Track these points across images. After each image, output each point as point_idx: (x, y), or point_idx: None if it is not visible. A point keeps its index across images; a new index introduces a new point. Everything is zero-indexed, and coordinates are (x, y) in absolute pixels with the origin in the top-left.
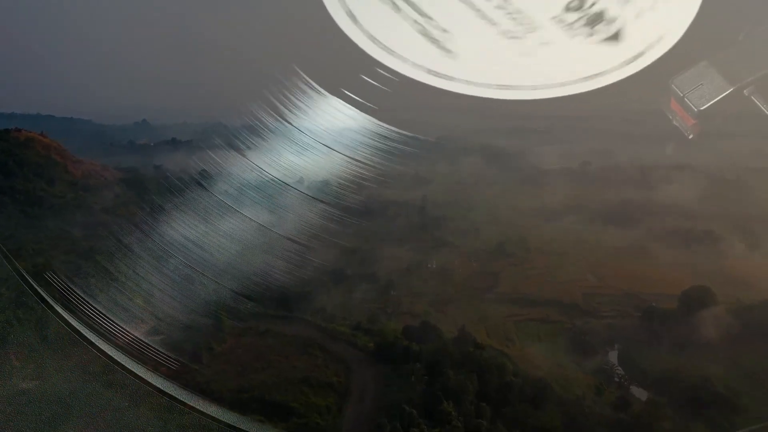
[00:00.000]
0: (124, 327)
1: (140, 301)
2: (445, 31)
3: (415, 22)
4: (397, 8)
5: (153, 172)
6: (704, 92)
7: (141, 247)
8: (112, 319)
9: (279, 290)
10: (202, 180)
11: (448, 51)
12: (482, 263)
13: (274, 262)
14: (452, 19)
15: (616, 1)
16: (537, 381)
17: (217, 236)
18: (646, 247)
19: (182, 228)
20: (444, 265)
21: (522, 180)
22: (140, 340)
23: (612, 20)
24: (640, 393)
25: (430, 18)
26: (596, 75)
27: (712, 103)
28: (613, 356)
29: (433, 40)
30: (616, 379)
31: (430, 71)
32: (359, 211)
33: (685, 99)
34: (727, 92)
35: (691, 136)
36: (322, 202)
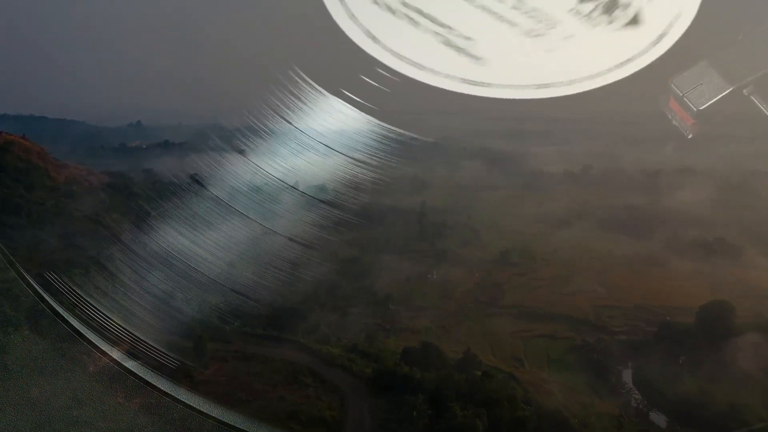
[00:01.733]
0: (96, 350)
1: (117, 320)
2: (468, 38)
3: (437, 33)
4: (415, 23)
5: (142, 176)
6: (703, 92)
7: (122, 259)
8: (85, 339)
9: (269, 306)
10: (192, 185)
11: (477, 58)
12: (485, 274)
13: (265, 275)
14: (471, 26)
15: None
16: (553, 415)
17: (203, 246)
18: (655, 256)
19: (167, 237)
20: (445, 276)
21: (524, 184)
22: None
23: (627, 5)
24: (660, 420)
25: (450, 28)
26: (627, 61)
27: (711, 102)
28: (627, 376)
29: (460, 50)
30: (634, 404)
31: (465, 80)
32: (356, 218)
33: (685, 98)
34: (727, 92)
35: (690, 136)
36: (317, 208)
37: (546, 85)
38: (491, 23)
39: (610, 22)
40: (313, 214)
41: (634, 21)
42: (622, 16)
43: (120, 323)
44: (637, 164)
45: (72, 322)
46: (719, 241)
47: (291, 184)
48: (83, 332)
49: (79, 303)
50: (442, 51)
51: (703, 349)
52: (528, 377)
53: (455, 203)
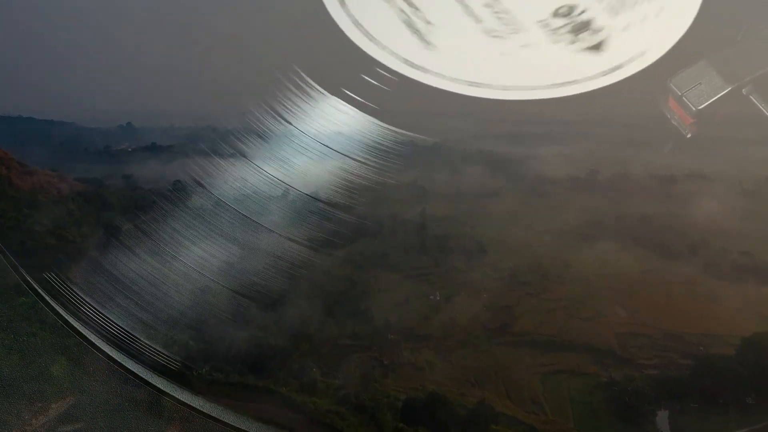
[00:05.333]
0: (27, 411)
1: (60, 369)
2: (429, 23)
3: (401, 11)
4: None
5: (121, 183)
6: (702, 91)
7: (82, 284)
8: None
9: (247, 343)
10: (173, 193)
11: (428, 43)
12: (493, 294)
13: (245, 302)
14: (438, 12)
15: (606, 12)
16: None
17: (176, 269)
18: (680, 274)
19: (137, 258)
20: (449, 296)
21: (528, 191)
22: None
23: (598, 30)
24: None
25: (416, 9)
26: (571, 82)
27: (710, 102)
28: (663, 422)
29: (416, 31)
30: None
31: (406, 61)
32: (350, 230)
33: (683, 98)
34: (725, 91)
35: (689, 135)
36: (308, 220)
37: (478, 84)
38: (457, 14)
39: (572, 42)
40: (303, 226)
41: (597, 48)
42: (587, 39)
43: (62, 374)
44: (645, 169)
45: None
46: (747, 256)
47: (280, 193)
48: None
49: (18, 341)
50: (399, 29)
51: (751, 391)
52: (552, 429)
53: (457, 212)
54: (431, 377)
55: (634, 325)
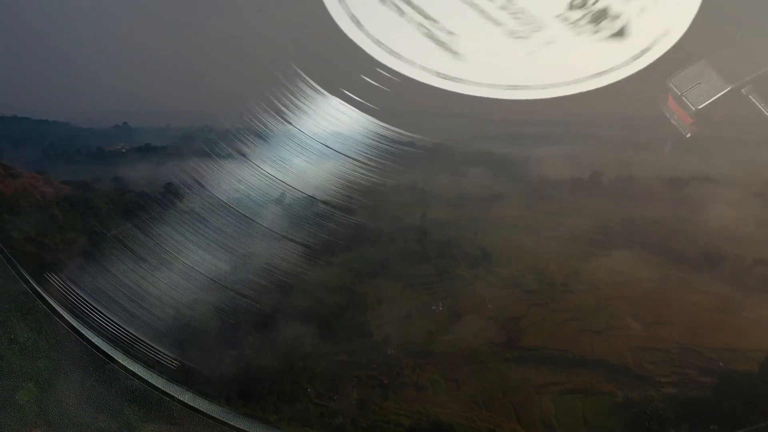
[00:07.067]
0: None
1: (26, 397)
2: (450, 33)
3: (420, 25)
4: (400, 11)
5: (111, 185)
6: (702, 91)
7: (60, 295)
8: None
9: (234, 364)
10: (164, 196)
11: (455, 53)
12: (499, 304)
13: (233, 318)
14: (457, 21)
15: None
16: None
17: (160, 280)
18: (693, 281)
19: (120, 267)
20: (452, 307)
21: (532, 194)
22: None
23: (616, 16)
24: None
25: (434, 21)
26: (604, 72)
27: (709, 102)
28: None
29: (440, 43)
30: None
31: (439, 74)
32: (349, 235)
33: (683, 97)
34: (725, 91)
35: (689, 135)
36: (304, 224)
37: (517, 87)
38: (476, 20)
39: (596, 32)
40: (300, 231)
41: (620, 34)
42: (609, 27)
43: (30, 401)
44: (648, 171)
45: None
46: (764, 264)
47: (277, 195)
48: None
49: None
50: (424, 43)
51: None
52: None
53: (459, 217)
54: (435, 399)
55: (648, 339)
